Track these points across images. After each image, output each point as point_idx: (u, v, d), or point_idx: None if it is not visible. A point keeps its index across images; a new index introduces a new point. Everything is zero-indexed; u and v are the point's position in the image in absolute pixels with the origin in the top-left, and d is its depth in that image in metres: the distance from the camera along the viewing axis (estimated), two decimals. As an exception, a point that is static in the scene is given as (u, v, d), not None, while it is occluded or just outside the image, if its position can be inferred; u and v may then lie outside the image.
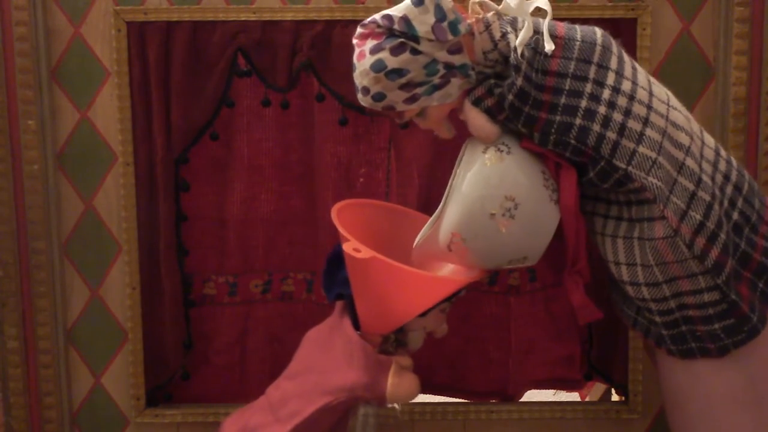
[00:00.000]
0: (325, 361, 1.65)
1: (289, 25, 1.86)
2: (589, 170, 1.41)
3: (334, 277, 1.72)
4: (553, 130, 1.39)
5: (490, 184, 1.46)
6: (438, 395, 2.08)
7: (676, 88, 1.81)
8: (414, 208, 1.92)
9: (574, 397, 2.31)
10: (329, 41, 1.86)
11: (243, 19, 1.85)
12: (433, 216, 1.57)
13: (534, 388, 2.13)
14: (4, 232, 1.92)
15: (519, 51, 1.39)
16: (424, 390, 1.79)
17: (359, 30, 1.47)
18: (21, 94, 1.87)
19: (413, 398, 1.68)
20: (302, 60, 1.86)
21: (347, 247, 1.51)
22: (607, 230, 1.47)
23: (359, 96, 1.50)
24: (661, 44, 1.86)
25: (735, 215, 1.43)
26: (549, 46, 1.37)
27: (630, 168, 1.37)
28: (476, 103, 1.46)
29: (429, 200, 1.90)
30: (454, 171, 1.56)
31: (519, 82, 1.38)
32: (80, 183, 1.93)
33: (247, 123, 1.96)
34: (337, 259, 1.70)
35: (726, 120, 1.87)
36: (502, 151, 1.47)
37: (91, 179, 1.93)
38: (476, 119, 1.47)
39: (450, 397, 2.09)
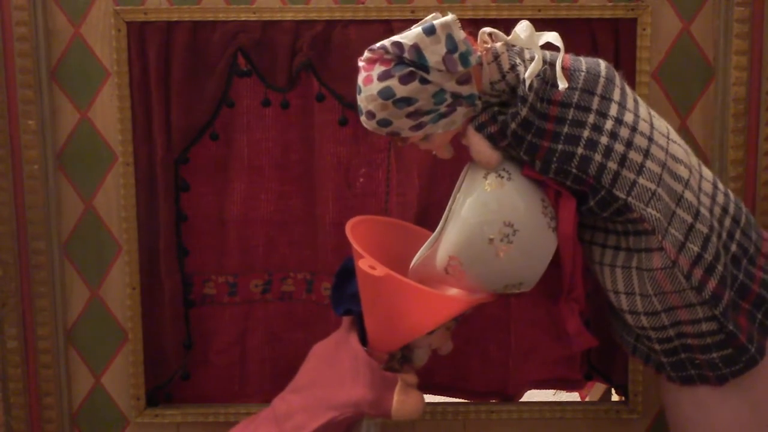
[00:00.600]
0: (331, 376, 1.67)
1: (289, 25, 1.86)
2: (589, 199, 1.43)
3: (343, 292, 1.72)
4: (554, 159, 1.41)
5: (489, 210, 1.47)
6: (438, 395, 2.08)
7: (676, 88, 1.81)
8: (414, 209, 1.92)
9: (574, 397, 2.31)
10: (329, 41, 1.86)
11: (243, 19, 1.85)
12: (431, 237, 1.58)
13: (534, 388, 2.13)
14: (4, 232, 1.92)
15: (527, 83, 1.40)
16: (426, 390, 1.79)
17: (367, 54, 1.46)
18: (21, 94, 1.87)
19: (418, 416, 1.69)
20: (302, 60, 1.86)
21: (363, 264, 1.52)
22: (605, 259, 1.49)
23: (363, 119, 1.50)
24: (661, 44, 1.86)
25: (733, 247, 1.45)
26: (563, 84, 1.39)
27: (630, 198, 1.38)
28: (479, 129, 1.47)
29: (429, 201, 1.91)
30: (453, 195, 1.56)
31: (524, 112, 1.40)
32: (80, 183, 1.93)
33: (247, 123, 1.96)
34: (345, 274, 1.71)
35: (726, 120, 1.87)
36: (502, 177, 1.48)
37: (91, 179, 1.93)
38: (478, 145, 1.48)
39: (450, 397, 2.09)
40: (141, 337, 1.96)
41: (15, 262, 1.93)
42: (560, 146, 1.40)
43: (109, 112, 1.90)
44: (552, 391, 2.26)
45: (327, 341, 1.73)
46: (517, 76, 1.43)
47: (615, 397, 2.14)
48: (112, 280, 1.96)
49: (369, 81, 1.45)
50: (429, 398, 2.03)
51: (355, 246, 1.56)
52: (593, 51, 1.84)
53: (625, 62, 1.85)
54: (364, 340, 1.67)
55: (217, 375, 2.04)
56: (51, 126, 1.90)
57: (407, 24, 1.83)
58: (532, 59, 1.43)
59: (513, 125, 1.40)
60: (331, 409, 1.62)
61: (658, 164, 1.40)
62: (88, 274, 1.96)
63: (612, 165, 1.38)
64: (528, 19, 1.78)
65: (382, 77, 1.43)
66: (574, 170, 1.39)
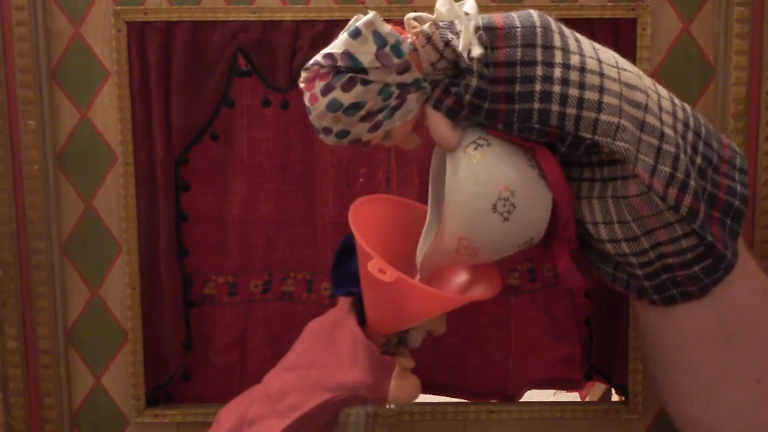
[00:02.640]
0: (328, 356, 1.65)
1: (289, 25, 1.86)
2: (559, 146, 1.44)
3: (342, 271, 1.71)
4: (515, 119, 1.41)
5: (482, 181, 1.46)
6: (438, 395, 2.08)
7: (676, 88, 1.81)
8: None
9: (574, 397, 2.31)
10: (329, 41, 1.84)
11: (243, 19, 1.85)
12: (426, 228, 1.58)
13: (534, 388, 2.13)
14: (4, 232, 1.92)
15: (466, 55, 1.39)
16: (424, 390, 1.79)
17: (304, 74, 1.47)
18: (21, 94, 1.87)
19: (414, 400, 1.68)
20: (302, 60, 1.85)
21: (372, 268, 1.50)
22: (582, 192, 1.50)
23: (322, 137, 1.50)
24: (661, 44, 1.86)
25: (698, 160, 1.46)
26: (477, 51, 1.38)
27: (596, 137, 1.39)
28: (436, 106, 1.46)
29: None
30: (431, 181, 1.57)
31: (474, 82, 1.39)
32: (80, 183, 1.93)
33: (247, 123, 1.96)
34: (345, 253, 1.70)
35: (726, 120, 1.87)
36: (482, 145, 1.47)
37: (91, 179, 1.93)
38: (438, 126, 1.47)
39: (450, 397, 2.09)
40: (141, 337, 1.96)
41: (15, 262, 1.93)
42: (517, 106, 1.40)
43: (109, 112, 1.90)
44: (552, 391, 2.26)
45: (323, 319, 1.72)
46: (454, 50, 1.42)
47: (615, 397, 2.14)
48: (112, 280, 1.96)
49: (314, 99, 1.45)
50: (429, 398, 2.03)
51: (363, 244, 1.55)
52: (593, 51, 1.85)
53: (625, 62, 1.85)
54: (361, 319, 1.66)
55: (217, 375, 2.04)
56: (51, 126, 1.90)
57: (407, 24, 1.82)
58: None
59: (468, 96, 1.41)
60: (327, 390, 1.61)
61: (615, 96, 1.40)
62: (88, 274, 1.96)
63: (571, 111, 1.39)
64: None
65: (325, 91, 1.44)
66: (536, 126, 1.40)
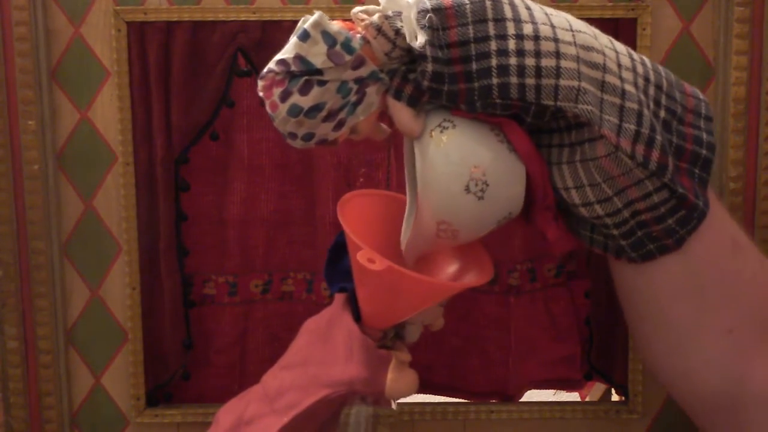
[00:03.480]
0: (325, 353, 1.64)
1: (289, 25, 1.85)
2: (524, 117, 1.41)
3: (336, 268, 1.70)
4: (475, 97, 1.37)
5: (452, 162, 1.42)
6: (438, 395, 2.08)
7: (676, 88, 1.80)
8: (414, 208, 1.92)
9: (574, 397, 2.31)
10: (329, 41, 1.86)
11: (243, 19, 1.85)
12: (405, 218, 1.56)
13: (534, 388, 2.13)
14: (4, 232, 1.92)
15: (412, 43, 1.36)
16: (424, 390, 1.79)
17: (260, 83, 1.42)
18: (21, 94, 1.87)
19: (412, 394, 1.67)
20: (302, 60, 1.85)
21: (361, 258, 1.48)
22: (552, 159, 1.47)
23: (289, 141, 1.46)
24: (661, 44, 1.86)
25: (662, 113, 1.43)
26: (422, 38, 1.35)
27: (558, 103, 1.36)
28: (397, 96, 1.42)
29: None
30: (406, 170, 1.54)
31: (429, 67, 1.36)
32: (80, 183, 1.93)
33: (247, 123, 1.96)
34: (337, 249, 1.69)
35: (726, 120, 1.87)
36: (447, 128, 1.44)
37: (91, 179, 1.93)
38: (401, 116, 1.44)
39: (450, 397, 2.09)
40: (141, 337, 1.96)
41: (15, 262, 1.93)
42: (476, 84, 1.36)
43: (109, 112, 1.90)
44: (552, 391, 2.26)
45: (319, 317, 1.69)
46: (405, 38, 1.39)
47: (615, 397, 2.14)
48: (112, 280, 1.96)
49: (275, 107, 1.41)
50: (429, 398, 2.03)
51: (352, 236, 1.53)
52: (593, 51, 1.85)
53: (625, 62, 1.85)
54: (356, 315, 1.64)
55: (217, 375, 2.04)
56: (51, 126, 1.90)
57: (407, 24, 1.82)
58: None
59: (426, 82, 1.37)
60: (324, 387, 1.58)
61: (572, 60, 1.36)
62: (88, 274, 1.96)
63: (530, 81, 1.35)
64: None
65: (284, 98, 1.40)
66: (498, 100, 1.36)
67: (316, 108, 1.42)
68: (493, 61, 1.37)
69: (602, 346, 2.00)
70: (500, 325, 2.04)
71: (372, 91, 1.46)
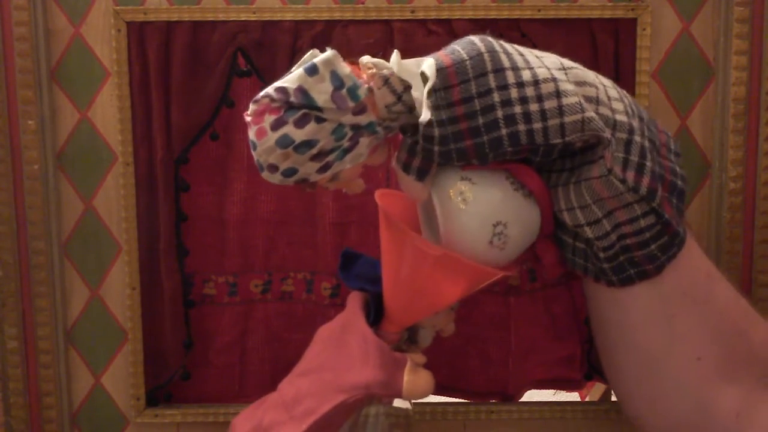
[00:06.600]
0: (340, 358, 1.64)
1: (289, 25, 1.86)
2: (533, 158, 1.42)
3: (350, 272, 1.70)
4: (486, 150, 1.37)
5: (475, 225, 1.44)
6: (438, 395, 2.07)
7: (676, 89, 1.81)
8: (414, 208, 1.92)
9: (574, 397, 2.31)
10: (329, 41, 1.86)
11: (243, 19, 1.85)
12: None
13: (534, 388, 2.13)
14: (4, 232, 1.92)
15: (424, 119, 1.35)
16: (424, 390, 1.79)
17: (252, 107, 1.39)
18: (21, 94, 1.87)
19: (428, 395, 1.68)
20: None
21: (419, 243, 1.47)
22: (550, 182, 1.48)
23: (266, 174, 1.42)
24: (661, 44, 1.86)
25: (646, 143, 1.46)
26: (425, 116, 1.35)
27: (566, 138, 1.37)
28: (406, 170, 1.42)
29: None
30: (421, 219, 1.55)
31: (436, 132, 1.35)
32: (80, 183, 1.93)
33: (247, 123, 1.96)
34: (348, 257, 1.69)
35: (726, 120, 1.87)
36: (465, 189, 1.45)
37: (91, 179, 1.93)
38: (409, 188, 1.44)
39: (450, 397, 2.09)
40: (141, 337, 1.96)
41: (15, 262, 1.93)
42: (485, 137, 1.36)
43: (109, 112, 1.90)
44: (552, 391, 2.26)
45: (332, 324, 1.69)
46: (412, 96, 1.39)
47: (615, 397, 2.13)
48: (112, 280, 1.96)
49: (263, 133, 1.37)
50: (429, 398, 2.03)
51: (395, 220, 1.52)
52: (593, 51, 1.85)
53: (624, 62, 1.85)
54: (371, 320, 1.64)
55: (217, 375, 2.04)
56: (51, 126, 1.90)
57: (407, 24, 1.83)
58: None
59: (436, 148, 1.37)
60: (341, 392, 1.58)
61: (573, 94, 1.38)
62: (88, 274, 1.96)
63: (537, 125, 1.36)
64: (527, 20, 1.78)
65: (276, 126, 1.36)
66: (508, 149, 1.37)
67: (307, 144, 1.39)
68: (499, 113, 1.37)
69: (602, 346, 2.00)
70: (500, 325, 2.04)
71: (364, 142, 1.45)
